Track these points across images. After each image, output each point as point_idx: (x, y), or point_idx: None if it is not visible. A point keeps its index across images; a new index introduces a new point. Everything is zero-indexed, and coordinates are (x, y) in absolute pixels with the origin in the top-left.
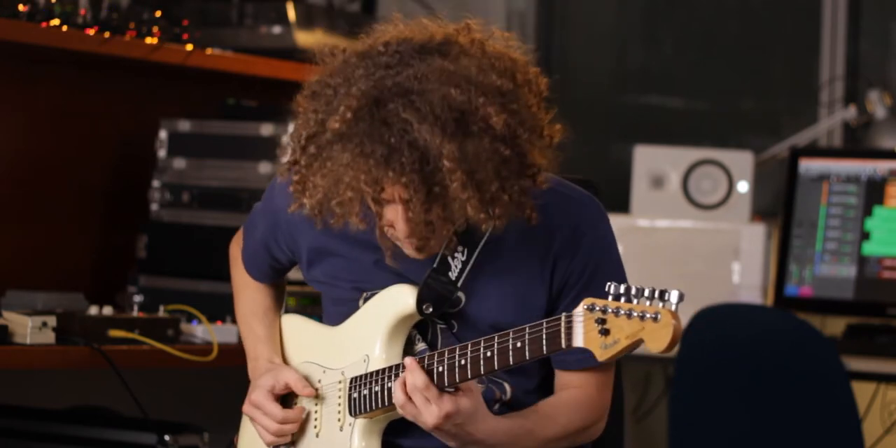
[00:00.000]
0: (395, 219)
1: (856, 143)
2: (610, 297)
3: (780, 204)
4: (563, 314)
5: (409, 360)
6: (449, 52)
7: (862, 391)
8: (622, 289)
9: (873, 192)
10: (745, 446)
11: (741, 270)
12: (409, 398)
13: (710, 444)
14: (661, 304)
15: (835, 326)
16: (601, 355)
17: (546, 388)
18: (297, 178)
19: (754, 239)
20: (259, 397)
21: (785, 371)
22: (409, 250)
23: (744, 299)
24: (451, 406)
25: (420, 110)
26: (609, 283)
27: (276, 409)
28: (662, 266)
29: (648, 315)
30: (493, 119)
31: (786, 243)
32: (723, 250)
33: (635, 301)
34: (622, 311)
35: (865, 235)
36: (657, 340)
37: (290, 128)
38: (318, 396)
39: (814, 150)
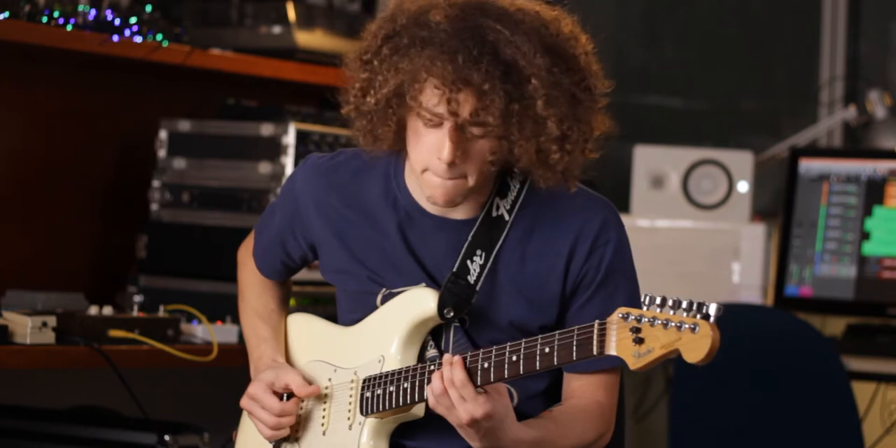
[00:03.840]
0: (442, 140)
1: (856, 143)
2: (645, 307)
3: (780, 204)
4: (597, 321)
5: (455, 358)
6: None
7: (862, 391)
8: (658, 299)
9: (873, 192)
10: (745, 446)
11: (741, 270)
12: (446, 391)
13: (710, 444)
14: (698, 316)
15: (835, 326)
16: (633, 364)
17: (550, 393)
18: (364, 76)
19: (754, 239)
20: (257, 390)
21: (785, 371)
22: (437, 190)
23: (744, 299)
24: (489, 407)
25: (513, 29)
26: (645, 295)
27: (273, 401)
28: (662, 266)
29: (687, 326)
30: (581, 60)
31: (786, 243)
32: (723, 250)
33: (671, 312)
34: (658, 321)
35: (865, 235)
36: (694, 351)
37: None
38: (325, 395)
39: (814, 150)
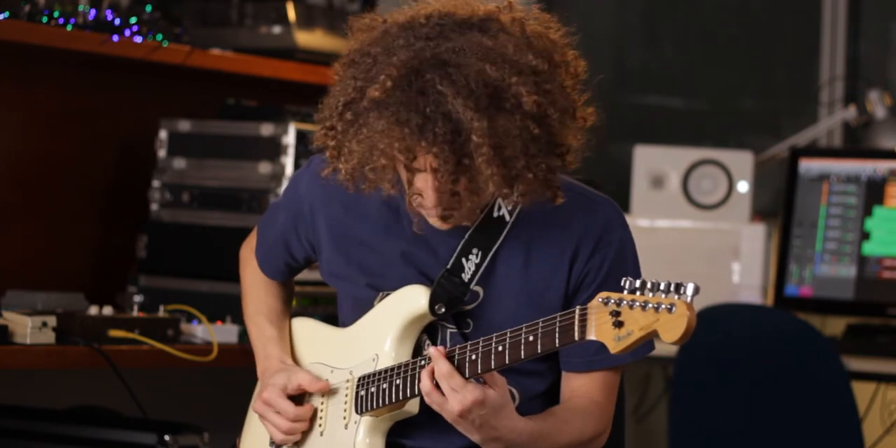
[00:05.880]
0: (424, 187)
1: (856, 143)
2: (625, 291)
3: (780, 204)
4: (578, 307)
5: (433, 350)
6: (489, 28)
7: (862, 391)
8: (637, 283)
9: (873, 192)
10: (745, 446)
11: (741, 270)
12: (436, 386)
13: (710, 444)
14: (676, 297)
15: (835, 326)
16: (614, 347)
17: (551, 394)
18: (332, 144)
19: (754, 239)
20: (272, 395)
21: (785, 371)
22: (433, 220)
23: (744, 299)
24: (479, 394)
25: (456, 83)
26: (625, 279)
27: (289, 406)
28: (662, 266)
29: (663, 306)
30: (525, 98)
31: (786, 243)
32: (723, 250)
33: (650, 294)
34: (637, 304)
35: (865, 235)
36: (671, 331)
37: (329, 94)
38: (324, 395)
39: (814, 150)
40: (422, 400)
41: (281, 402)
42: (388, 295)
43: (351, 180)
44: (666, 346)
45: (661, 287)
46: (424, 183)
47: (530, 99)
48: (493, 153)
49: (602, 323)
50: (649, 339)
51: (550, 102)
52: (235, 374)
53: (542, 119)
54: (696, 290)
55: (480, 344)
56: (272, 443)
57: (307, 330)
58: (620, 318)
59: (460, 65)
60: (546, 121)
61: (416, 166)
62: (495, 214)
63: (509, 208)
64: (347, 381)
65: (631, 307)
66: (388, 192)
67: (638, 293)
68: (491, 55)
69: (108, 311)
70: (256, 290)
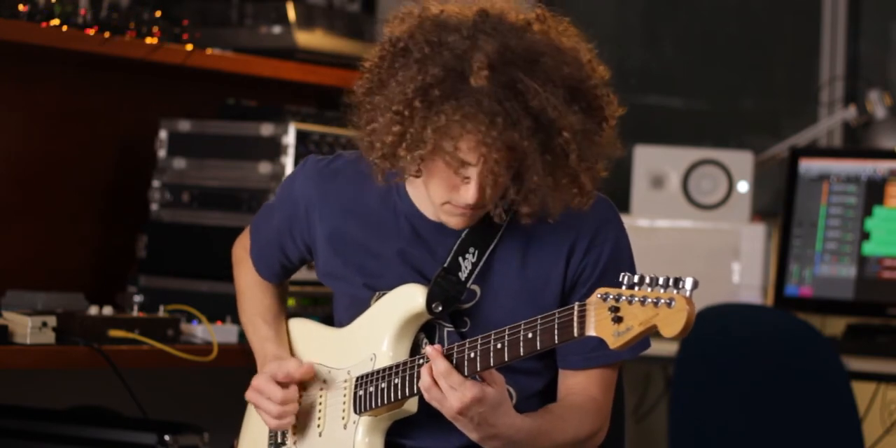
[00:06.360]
0: (469, 183)
1: (856, 143)
2: (624, 287)
3: (780, 204)
4: (576, 303)
5: (430, 348)
6: (547, 33)
7: (862, 391)
8: (636, 278)
9: (873, 192)
10: (745, 446)
11: (741, 270)
12: (435, 382)
13: (710, 444)
14: (675, 291)
15: (835, 326)
16: (613, 343)
17: (548, 393)
18: (397, 130)
19: (754, 239)
20: (260, 382)
21: (785, 371)
22: (454, 218)
23: (744, 299)
24: (478, 391)
25: (541, 78)
26: (623, 274)
27: (275, 390)
28: (662, 266)
29: (662, 301)
30: (598, 101)
31: (786, 243)
32: (723, 250)
33: (649, 289)
34: (636, 299)
35: (865, 235)
36: (671, 326)
37: (364, 80)
38: (321, 395)
39: (814, 150)
40: (420, 399)
41: (268, 387)
42: (384, 294)
43: (414, 166)
44: (666, 345)
45: (660, 282)
46: (469, 177)
47: (603, 101)
48: (579, 149)
49: (601, 319)
50: (647, 336)
51: (611, 105)
52: (235, 374)
53: (604, 121)
54: (695, 285)
55: (479, 342)
56: (271, 443)
57: (304, 331)
58: (619, 314)
59: (541, 61)
60: (607, 125)
61: (471, 160)
62: (492, 214)
63: (505, 207)
64: (345, 381)
65: (630, 302)
66: (457, 171)
67: (636, 288)
68: (564, 56)
69: (108, 311)
70: (253, 290)
